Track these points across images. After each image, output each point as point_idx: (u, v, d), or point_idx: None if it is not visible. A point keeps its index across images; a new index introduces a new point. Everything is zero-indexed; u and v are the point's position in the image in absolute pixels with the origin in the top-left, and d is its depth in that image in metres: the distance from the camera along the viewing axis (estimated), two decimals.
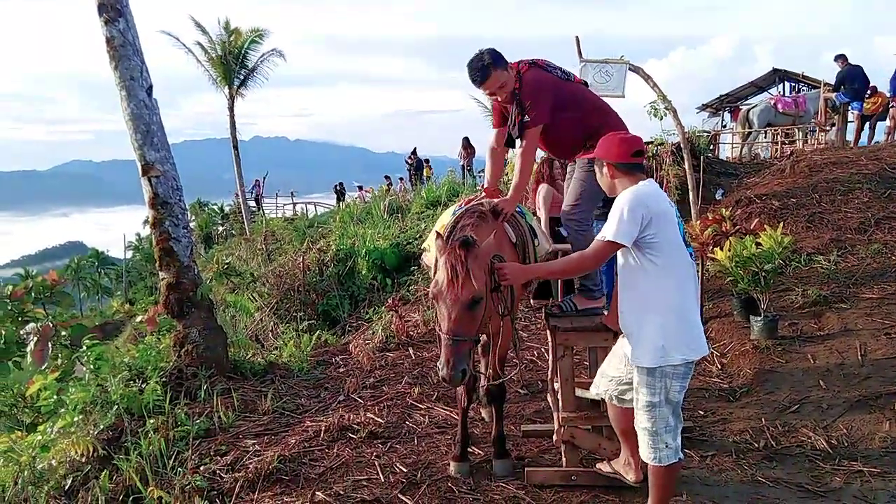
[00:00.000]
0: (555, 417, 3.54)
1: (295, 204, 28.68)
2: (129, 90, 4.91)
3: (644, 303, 2.67)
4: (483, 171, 4.55)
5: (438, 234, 3.06)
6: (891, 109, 11.34)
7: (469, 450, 3.74)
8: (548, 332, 3.75)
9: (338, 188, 26.20)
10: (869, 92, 11.82)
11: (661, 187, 11.30)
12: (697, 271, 6.25)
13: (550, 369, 3.85)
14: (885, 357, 4.55)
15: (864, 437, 3.71)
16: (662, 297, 2.63)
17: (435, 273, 3.44)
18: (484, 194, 3.64)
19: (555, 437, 3.45)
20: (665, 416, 2.67)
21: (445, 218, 3.62)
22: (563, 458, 3.41)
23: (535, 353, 5.79)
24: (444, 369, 2.70)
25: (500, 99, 3.47)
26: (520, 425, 4.19)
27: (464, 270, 2.73)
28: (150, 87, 5.03)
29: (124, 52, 4.89)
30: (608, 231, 2.62)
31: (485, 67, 3.28)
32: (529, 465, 3.54)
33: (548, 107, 3.39)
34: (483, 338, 3.38)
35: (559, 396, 3.45)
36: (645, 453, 2.74)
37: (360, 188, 23.44)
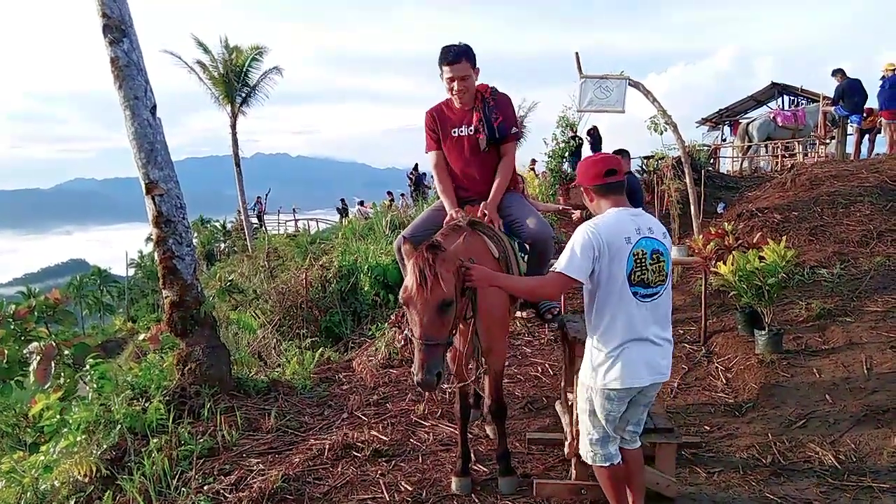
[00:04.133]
0: (566, 429, 3.51)
1: (297, 220, 28.75)
2: (133, 109, 4.94)
3: (589, 326, 2.83)
4: None
5: (405, 239, 3.10)
6: (889, 125, 11.38)
7: (473, 467, 3.72)
8: (562, 342, 3.73)
9: (341, 206, 26.30)
10: (865, 114, 11.90)
11: (663, 202, 11.29)
12: (702, 286, 6.26)
13: (564, 380, 3.83)
14: (891, 371, 4.52)
15: (873, 452, 3.68)
16: (595, 326, 2.77)
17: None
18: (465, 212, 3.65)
19: (566, 450, 3.42)
20: (589, 427, 2.85)
21: None
22: (573, 472, 3.38)
23: (539, 368, 5.77)
24: (419, 374, 2.68)
25: (455, 90, 3.58)
26: (524, 442, 4.16)
27: (432, 273, 2.72)
28: (154, 107, 5.07)
29: (129, 72, 4.93)
30: (560, 264, 2.71)
31: (462, 52, 3.51)
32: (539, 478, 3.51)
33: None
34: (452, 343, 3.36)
35: (575, 409, 3.41)
36: (581, 449, 2.95)
37: (361, 203, 23.51)
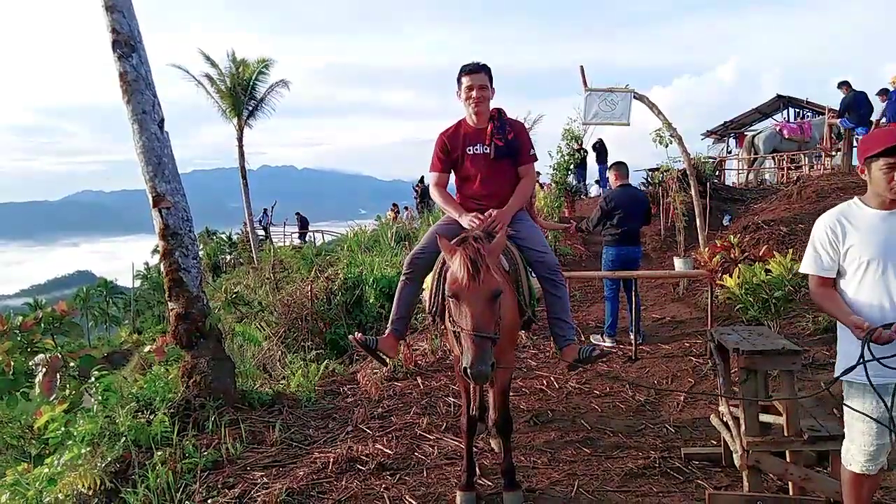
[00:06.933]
0: (735, 442, 3.41)
1: (302, 232, 28.80)
2: (141, 123, 4.99)
3: None
4: None
5: (440, 236, 3.12)
6: None
7: (478, 481, 3.70)
8: (718, 354, 3.72)
9: (298, 224, 26.14)
10: (865, 128, 11.88)
11: (668, 214, 11.26)
12: (708, 298, 6.24)
13: (723, 392, 3.78)
14: None
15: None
16: None
17: (438, 275, 3.42)
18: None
19: (738, 462, 3.34)
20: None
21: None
22: (746, 484, 3.32)
23: (545, 381, 5.75)
24: (476, 365, 2.63)
25: (472, 97, 3.63)
26: (529, 456, 4.14)
27: (485, 263, 2.75)
28: (162, 121, 5.11)
29: (137, 86, 4.98)
30: None
31: (482, 66, 3.66)
32: (713, 493, 3.40)
33: None
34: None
35: (742, 421, 3.33)
36: None
37: (406, 209, 23.18)
